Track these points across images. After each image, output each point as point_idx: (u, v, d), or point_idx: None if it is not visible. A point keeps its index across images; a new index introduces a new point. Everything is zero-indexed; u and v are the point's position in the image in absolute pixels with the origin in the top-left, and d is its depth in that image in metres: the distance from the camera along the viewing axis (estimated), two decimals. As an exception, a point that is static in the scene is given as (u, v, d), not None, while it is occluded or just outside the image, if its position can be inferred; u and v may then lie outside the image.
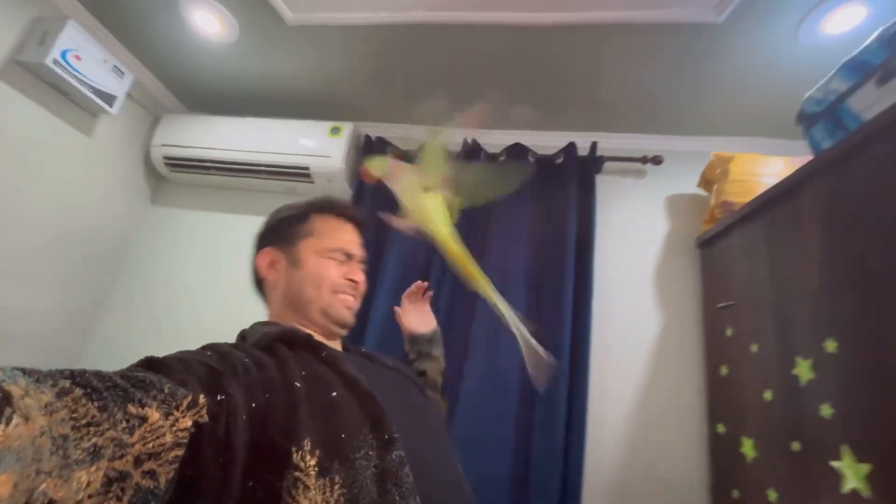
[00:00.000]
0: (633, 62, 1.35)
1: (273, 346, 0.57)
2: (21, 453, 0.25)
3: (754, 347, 1.11)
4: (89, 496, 0.30)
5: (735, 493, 1.12)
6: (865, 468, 0.76)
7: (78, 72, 1.41)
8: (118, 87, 1.54)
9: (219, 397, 0.43)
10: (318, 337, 0.67)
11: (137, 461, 0.34)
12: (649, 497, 1.29)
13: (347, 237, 0.75)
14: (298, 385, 0.50)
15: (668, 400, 1.38)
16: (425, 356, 0.90)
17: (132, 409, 0.35)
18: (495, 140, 1.70)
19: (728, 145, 1.55)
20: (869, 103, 0.87)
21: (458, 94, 1.57)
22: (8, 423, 0.25)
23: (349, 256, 0.73)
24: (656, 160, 1.58)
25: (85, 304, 1.67)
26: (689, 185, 1.57)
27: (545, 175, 1.62)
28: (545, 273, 1.48)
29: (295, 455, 0.44)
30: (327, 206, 0.76)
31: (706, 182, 1.47)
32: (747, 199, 1.24)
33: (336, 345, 0.72)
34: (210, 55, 1.58)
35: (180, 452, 0.37)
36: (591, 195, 1.55)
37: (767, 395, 1.04)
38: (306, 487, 0.43)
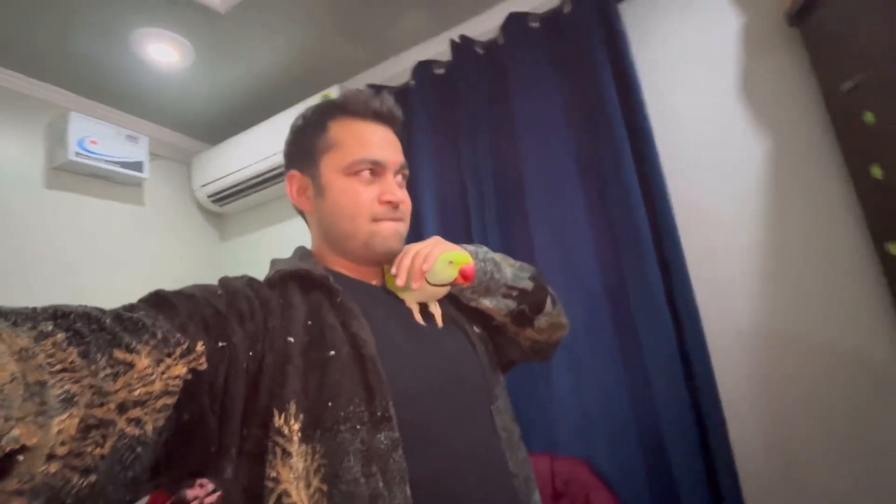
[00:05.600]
0: None
1: (286, 285, 0.53)
2: None
3: (914, 122, 0.76)
4: (62, 443, 0.29)
5: (938, 325, 0.81)
6: None
7: (99, 154, 1.53)
8: (139, 152, 1.65)
9: (220, 344, 0.41)
10: (351, 273, 0.61)
11: (121, 408, 0.32)
12: (820, 380, 1.02)
13: (374, 140, 0.60)
14: (292, 340, 0.47)
15: (809, 239, 1.05)
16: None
17: (118, 354, 0.34)
18: (486, 25, 1.43)
19: None
20: None
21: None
22: None
23: (378, 166, 0.59)
24: (695, -59, 1.16)
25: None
26: (754, -50, 1.13)
27: (558, 37, 1.32)
28: (597, 155, 1.22)
29: (277, 419, 0.43)
30: (343, 107, 0.61)
31: (777, -70, 1.03)
32: (844, -85, 0.82)
33: (375, 276, 0.64)
34: (191, 83, 1.59)
35: (170, 401, 0.36)
36: (619, 34, 1.21)
37: (953, 179, 0.70)
38: (287, 454, 0.42)
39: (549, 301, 0.66)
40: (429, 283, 0.58)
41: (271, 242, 1.94)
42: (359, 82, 1.63)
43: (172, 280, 1.76)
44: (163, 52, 1.41)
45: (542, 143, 1.29)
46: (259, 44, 1.45)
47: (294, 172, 0.63)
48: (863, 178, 0.94)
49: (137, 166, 1.64)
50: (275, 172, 1.73)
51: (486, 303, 0.63)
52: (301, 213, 0.68)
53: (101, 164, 1.53)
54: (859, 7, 0.85)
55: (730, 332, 1.09)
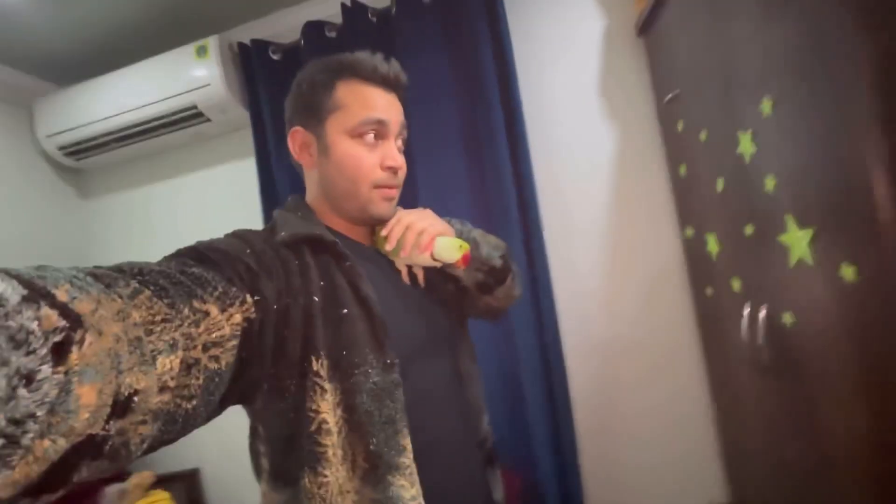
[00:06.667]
0: None
1: (299, 248, 0.58)
2: (99, 366, 0.29)
3: (703, 135, 0.96)
4: (171, 378, 0.36)
5: (709, 291, 1.08)
6: (808, 233, 0.66)
7: None
8: (-44, 90, 1.36)
9: (255, 297, 0.48)
10: (346, 232, 0.66)
11: (205, 348, 0.40)
12: (638, 326, 1.28)
13: (380, 102, 0.63)
14: (317, 299, 0.54)
15: (637, 219, 1.29)
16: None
17: (196, 304, 0.41)
18: (379, -9, 1.40)
19: None
20: None
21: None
22: (81, 344, 0.29)
23: (382, 126, 0.62)
24: (569, -60, 1.25)
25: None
26: (617, -42, 1.26)
27: (447, 14, 1.35)
28: (476, 129, 1.32)
29: (315, 363, 0.52)
30: (353, 69, 0.63)
31: (633, -55, 1.16)
32: (674, -52, 0.97)
33: (366, 236, 0.69)
34: (29, 10, 1.33)
35: (236, 342, 0.44)
36: (501, 18, 1.28)
37: (720, 184, 0.92)
38: (324, 391, 0.52)
39: (510, 276, 0.75)
40: (433, 256, 0.63)
41: (146, 203, 1.75)
42: (240, 34, 1.51)
43: (24, 240, 1.55)
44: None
45: (428, 114, 1.35)
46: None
47: (298, 128, 0.65)
48: (675, 174, 1.17)
49: (-46, 108, 1.36)
50: (148, 126, 1.54)
51: (459, 272, 0.70)
52: (299, 167, 0.69)
53: None
54: (679, 28, 1.02)
55: (574, 291, 1.32)
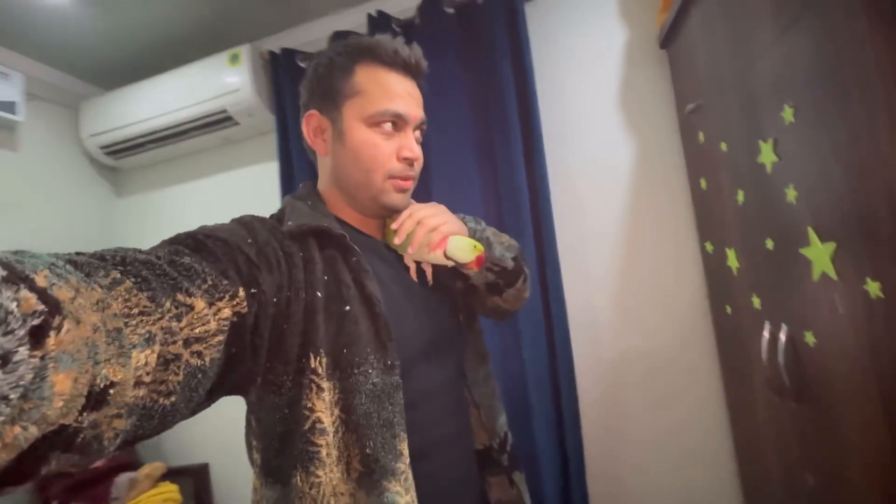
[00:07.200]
0: None
1: (305, 240, 0.56)
2: (76, 354, 0.28)
3: (724, 146, 0.93)
4: (147, 373, 0.34)
5: (728, 309, 1.03)
6: (830, 248, 0.63)
7: (-42, 89, 1.35)
8: (12, 90, 1.47)
9: (252, 290, 0.46)
10: (356, 224, 0.64)
11: (186, 343, 0.38)
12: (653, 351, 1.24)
13: (399, 92, 0.60)
14: (320, 294, 0.53)
15: (656, 233, 1.25)
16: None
17: (180, 297, 0.38)
18: (403, 3, 1.44)
19: None
20: None
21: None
22: (59, 330, 0.27)
23: (400, 119, 0.60)
24: (594, -45, 1.26)
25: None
26: (641, -29, 1.26)
27: (469, 26, 1.38)
28: (492, 143, 1.32)
29: (313, 361, 0.51)
30: (373, 53, 0.60)
31: (657, -42, 1.16)
32: (697, -41, 0.96)
33: (377, 229, 0.67)
34: (81, 20, 1.43)
35: (222, 338, 0.41)
36: (522, 32, 1.29)
37: (740, 196, 0.89)
38: (320, 389, 0.51)
39: (521, 278, 0.72)
40: (445, 255, 0.60)
41: (175, 203, 1.83)
42: (272, 43, 1.57)
43: (63, 233, 1.64)
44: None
45: (445, 125, 1.36)
46: (158, -12, 1.34)
47: (313, 112, 0.62)
48: (695, 187, 1.14)
49: (9, 107, 1.46)
50: (180, 129, 1.62)
51: (470, 272, 0.67)
52: (312, 153, 0.67)
53: (-42, 102, 1.35)
54: (701, 39, 1.00)
55: (588, 302, 1.28)
